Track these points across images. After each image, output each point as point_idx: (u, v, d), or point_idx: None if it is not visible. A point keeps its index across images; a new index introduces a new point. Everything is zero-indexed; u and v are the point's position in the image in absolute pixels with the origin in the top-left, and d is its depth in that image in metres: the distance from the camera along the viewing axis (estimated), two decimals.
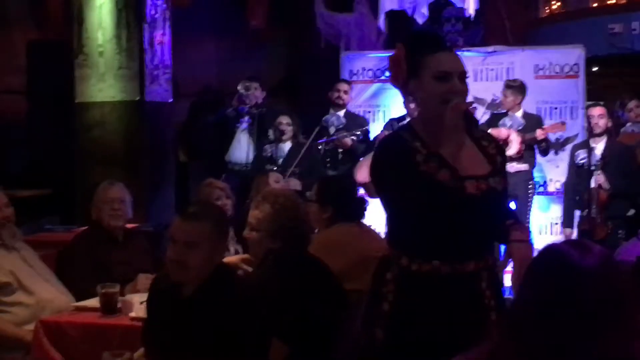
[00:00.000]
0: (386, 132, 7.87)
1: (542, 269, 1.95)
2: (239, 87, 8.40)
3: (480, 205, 3.00)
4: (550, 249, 1.97)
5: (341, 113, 8.34)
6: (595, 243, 1.96)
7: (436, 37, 3.32)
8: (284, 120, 7.90)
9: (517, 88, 7.97)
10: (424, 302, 3.01)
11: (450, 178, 2.96)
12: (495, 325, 1.99)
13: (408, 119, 7.98)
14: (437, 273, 3.00)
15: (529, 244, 3.00)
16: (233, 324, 3.14)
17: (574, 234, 7.46)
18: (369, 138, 8.34)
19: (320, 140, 8.13)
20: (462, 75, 3.06)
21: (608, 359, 1.82)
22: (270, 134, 8.06)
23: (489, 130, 7.72)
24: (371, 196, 7.21)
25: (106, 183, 5.33)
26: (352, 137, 8.12)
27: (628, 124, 8.03)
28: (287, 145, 7.89)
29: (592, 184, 7.03)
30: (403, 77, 3.13)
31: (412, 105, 7.96)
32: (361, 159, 8.27)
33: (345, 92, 8.38)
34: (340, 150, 8.16)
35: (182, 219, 3.31)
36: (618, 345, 1.82)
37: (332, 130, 8.21)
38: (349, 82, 8.64)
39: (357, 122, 8.38)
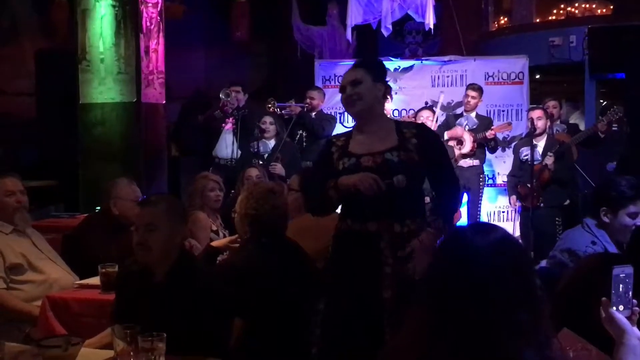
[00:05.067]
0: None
1: (443, 248, 1.95)
2: (220, 95, 8.34)
3: (378, 174, 3.40)
4: (454, 231, 1.98)
5: (312, 115, 8.33)
6: (498, 227, 1.94)
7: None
8: (267, 120, 7.90)
9: (479, 89, 8.02)
10: (341, 252, 3.54)
11: (346, 162, 3.53)
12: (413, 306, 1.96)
13: None
14: (349, 229, 3.51)
15: (433, 235, 3.40)
16: (201, 306, 3.11)
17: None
18: (326, 126, 8.37)
19: (278, 104, 8.20)
20: (353, 82, 3.67)
21: (499, 331, 1.77)
22: (257, 132, 8.06)
23: (446, 131, 7.79)
24: None
25: (125, 181, 5.23)
26: (302, 108, 8.23)
27: (554, 125, 8.02)
28: (272, 142, 7.88)
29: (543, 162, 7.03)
30: None
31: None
32: None
33: (312, 98, 8.36)
34: (290, 114, 8.29)
35: (140, 207, 3.36)
36: (512, 318, 1.78)
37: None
38: (317, 89, 8.61)
39: (325, 118, 8.43)
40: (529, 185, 7.00)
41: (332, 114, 8.80)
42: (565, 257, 3.85)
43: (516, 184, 7.42)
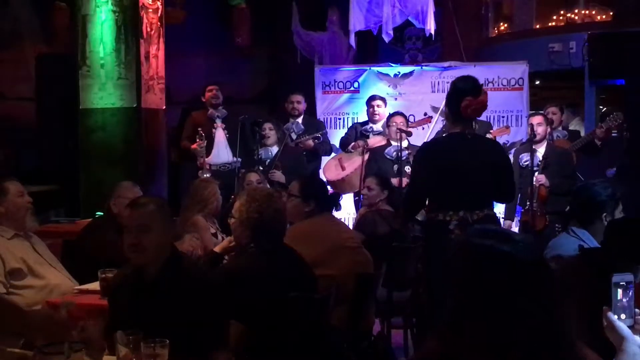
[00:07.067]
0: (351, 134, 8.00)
1: (477, 266, 1.84)
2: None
3: None
4: (477, 248, 1.85)
5: (299, 120, 8.29)
6: (515, 232, 1.92)
7: None
8: (267, 126, 7.84)
9: None
10: None
11: None
12: (437, 330, 1.91)
13: (370, 124, 8.05)
14: None
15: None
16: (194, 304, 3.12)
17: (514, 226, 7.47)
18: (328, 140, 8.35)
19: (293, 140, 8.07)
20: None
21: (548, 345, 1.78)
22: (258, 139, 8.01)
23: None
24: (340, 192, 7.22)
25: (129, 183, 5.34)
26: (315, 139, 8.09)
27: (555, 132, 7.99)
28: (274, 149, 7.79)
29: (535, 183, 7.03)
30: None
31: (371, 110, 8.03)
32: (328, 159, 8.24)
33: (298, 102, 8.29)
34: (304, 152, 8.09)
35: (131, 209, 3.34)
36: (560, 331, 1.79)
37: (293, 135, 8.14)
38: (301, 93, 8.51)
39: (314, 126, 8.33)
40: (528, 204, 6.97)
41: (332, 119, 8.81)
42: (553, 264, 3.87)
43: (517, 215, 7.42)
